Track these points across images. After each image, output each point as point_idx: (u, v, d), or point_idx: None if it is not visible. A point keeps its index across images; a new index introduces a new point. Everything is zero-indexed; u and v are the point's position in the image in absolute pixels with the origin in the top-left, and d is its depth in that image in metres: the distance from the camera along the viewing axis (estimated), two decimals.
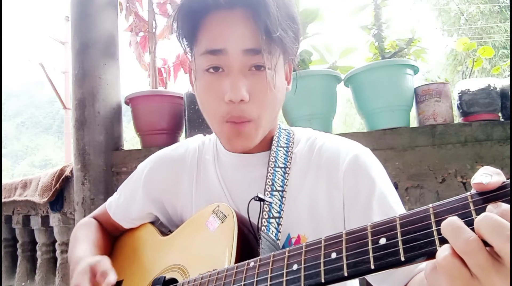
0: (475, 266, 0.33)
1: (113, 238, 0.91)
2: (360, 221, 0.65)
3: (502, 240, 0.32)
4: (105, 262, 0.69)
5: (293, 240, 0.69)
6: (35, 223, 1.96)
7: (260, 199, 0.64)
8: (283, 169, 0.72)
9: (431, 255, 0.36)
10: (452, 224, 0.35)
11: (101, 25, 1.65)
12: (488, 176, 0.36)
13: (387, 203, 0.66)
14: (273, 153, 0.73)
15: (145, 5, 1.86)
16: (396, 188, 1.36)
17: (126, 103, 1.69)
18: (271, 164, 0.71)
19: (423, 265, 0.59)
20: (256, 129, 0.68)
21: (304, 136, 0.78)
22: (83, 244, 0.81)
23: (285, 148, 0.74)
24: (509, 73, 1.89)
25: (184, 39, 0.69)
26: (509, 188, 0.34)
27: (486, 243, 0.33)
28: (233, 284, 0.51)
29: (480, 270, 0.33)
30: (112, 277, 0.66)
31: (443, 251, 0.35)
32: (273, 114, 0.70)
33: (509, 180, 0.35)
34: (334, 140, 0.75)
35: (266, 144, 0.75)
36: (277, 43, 0.63)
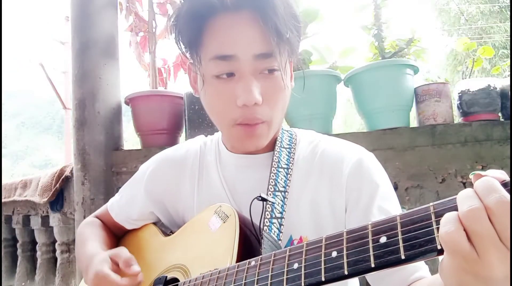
0: (475, 234, 0.34)
1: (116, 238, 0.91)
2: (359, 224, 0.65)
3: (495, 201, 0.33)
4: (124, 251, 0.70)
5: (295, 242, 0.69)
6: (35, 223, 1.96)
7: (263, 199, 0.64)
8: (285, 170, 0.71)
9: (431, 252, 0.37)
10: (466, 192, 0.36)
11: (101, 25, 1.65)
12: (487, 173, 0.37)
13: (387, 210, 0.66)
14: (276, 154, 0.73)
15: (145, 5, 1.86)
16: (396, 188, 1.36)
17: (126, 103, 1.69)
18: (274, 164, 0.71)
19: (420, 274, 0.60)
20: (268, 129, 0.68)
21: (306, 138, 0.78)
22: (93, 242, 0.81)
23: (287, 149, 0.74)
24: (509, 73, 1.89)
25: (186, 42, 0.68)
26: (509, 187, 0.34)
27: None
28: (234, 283, 0.51)
29: (479, 241, 0.34)
30: (136, 267, 0.66)
31: (445, 223, 0.35)
32: (283, 114, 0.71)
33: (509, 178, 0.35)
34: (337, 143, 0.75)
35: (269, 145, 0.75)
36: (286, 44, 0.63)
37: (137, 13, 1.87)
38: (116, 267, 0.68)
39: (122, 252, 0.70)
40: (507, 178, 0.36)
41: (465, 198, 0.36)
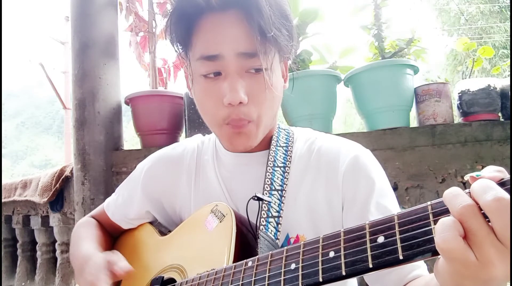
0: (470, 233, 0.34)
1: (112, 237, 0.91)
2: (356, 222, 0.65)
3: (490, 199, 0.33)
4: (120, 257, 0.70)
5: (292, 240, 0.69)
6: (35, 223, 1.96)
7: (259, 199, 0.64)
8: (282, 168, 0.71)
9: (430, 252, 0.36)
10: (452, 191, 0.36)
11: (101, 25, 1.65)
12: (484, 172, 0.37)
13: (384, 206, 0.66)
14: (272, 153, 0.73)
15: (145, 5, 1.86)
16: (396, 188, 1.36)
17: (126, 103, 1.69)
18: (270, 164, 0.71)
19: (417, 272, 0.60)
20: (256, 129, 0.68)
21: (303, 136, 0.78)
22: (87, 242, 0.80)
23: (284, 148, 0.74)
24: (509, 73, 1.89)
25: (178, 43, 0.69)
26: (508, 186, 0.34)
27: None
28: (231, 284, 0.51)
29: (476, 240, 0.34)
30: (124, 263, 0.68)
31: (441, 231, 0.35)
32: (272, 113, 0.70)
33: (509, 177, 0.35)
34: (334, 141, 0.75)
35: (265, 144, 0.74)
36: (271, 43, 0.63)
37: (137, 13, 1.87)
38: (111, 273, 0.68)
39: (118, 258, 0.70)
40: (505, 176, 0.36)
41: (454, 196, 0.35)
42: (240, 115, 0.65)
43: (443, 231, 0.34)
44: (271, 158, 0.72)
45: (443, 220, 0.35)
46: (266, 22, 0.61)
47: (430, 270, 0.59)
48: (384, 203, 0.66)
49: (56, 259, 1.84)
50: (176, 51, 0.70)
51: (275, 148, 0.74)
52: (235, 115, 0.65)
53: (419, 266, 0.61)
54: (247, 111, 0.65)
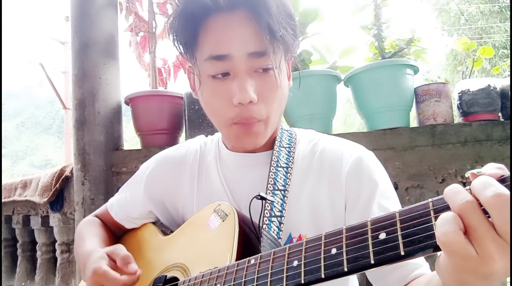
0: (470, 228, 0.34)
1: (115, 237, 0.91)
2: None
3: (490, 196, 0.33)
4: (122, 248, 0.70)
5: (294, 240, 0.69)
6: (35, 223, 1.95)
7: (262, 198, 0.64)
8: (285, 169, 0.72)
9: (431, 248, 0.37)
10: (453, 188, 0.36)
11: (101, 25, 1.65)
12: (484, 169, 0.37)
13: (387, 208, 0.66)
14: (275, 153, 0.73)
15: (145, 5, 1.86)
16: (396, 188, 1.36)
17: (126, 103, 1.69)
18: (273, 164, 0.72)
19: (420, 271, 0.60)
20: (265, 128, 0.68)
21: (306, 137, 0.78)
22: (91, 239, 0.81)
23: (287, 148, 0.75)
24: (509, 73, 1.89)
25: (183, 43, 0.68)
26: (508, 182, 0.35)
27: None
28: (234, 282, 0.51)
29: (477, 235, 0.34)
30: (135, 265, 0.66)
31: (442, 224, 0.35)
32: (280, 112, 0.71)
33: (509, 174, 0.36)
34: (337, 142, 0.75)
35: (269, 144, 0.75)
36: (280, 42, 0.63)
37: (137, 13, 1.87)
38: (113, 264, 0.68)
39: (119, 249, 0.70)
40: (505, 173, 0.36)
41: (455, 193, 0.36)
42: (250, 113, 0.65)
43: (443, 224, 0.35)
44: (274, 158, 0.72)
45: (444, 215, 0.35)
46: (274, 21, 0.61)
47: (432, 269, 0.59)
48: (387, 205, 0.66)
49: (56, 259, 1.84)
50: (180, 51, 0.69)
51: (279, 148, 0.74)
52: (245, 113, 0.65)
53: (421, 265, 0.62)
54: (257, 110, 0.65)
